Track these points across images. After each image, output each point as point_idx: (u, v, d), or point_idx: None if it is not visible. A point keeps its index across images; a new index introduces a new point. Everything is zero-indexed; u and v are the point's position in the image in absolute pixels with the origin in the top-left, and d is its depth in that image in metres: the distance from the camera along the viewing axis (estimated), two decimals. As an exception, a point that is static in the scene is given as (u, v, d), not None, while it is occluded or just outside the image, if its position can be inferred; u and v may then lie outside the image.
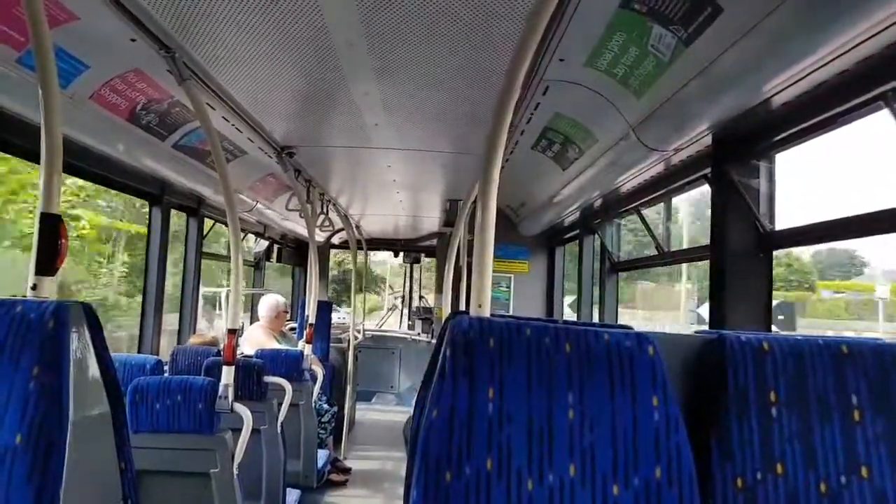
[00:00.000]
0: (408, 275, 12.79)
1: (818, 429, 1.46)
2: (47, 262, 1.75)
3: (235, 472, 3.29)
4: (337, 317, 10.46)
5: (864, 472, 1.44)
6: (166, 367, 4.32)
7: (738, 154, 3.05)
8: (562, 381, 1.40)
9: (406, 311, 12.79)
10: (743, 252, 3.05)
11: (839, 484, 1.44)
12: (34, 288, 1.73)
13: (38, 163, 1.79)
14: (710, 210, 3.25)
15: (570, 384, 1.40)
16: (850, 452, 1.45)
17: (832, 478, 1.44)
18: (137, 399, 3.20)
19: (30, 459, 1.44)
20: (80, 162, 3.78)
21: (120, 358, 3.72)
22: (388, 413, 9.95)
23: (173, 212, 5.21)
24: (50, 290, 1.74)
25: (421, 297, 12.72)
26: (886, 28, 1.85)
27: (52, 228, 1.75)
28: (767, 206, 3.05)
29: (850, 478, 1.44)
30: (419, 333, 10.99)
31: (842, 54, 2.03)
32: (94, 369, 1.70)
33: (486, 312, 1.57)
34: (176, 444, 3.20)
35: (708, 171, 3.36)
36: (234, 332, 3.38)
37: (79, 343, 1.61)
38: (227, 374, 3.32)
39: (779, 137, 2.83)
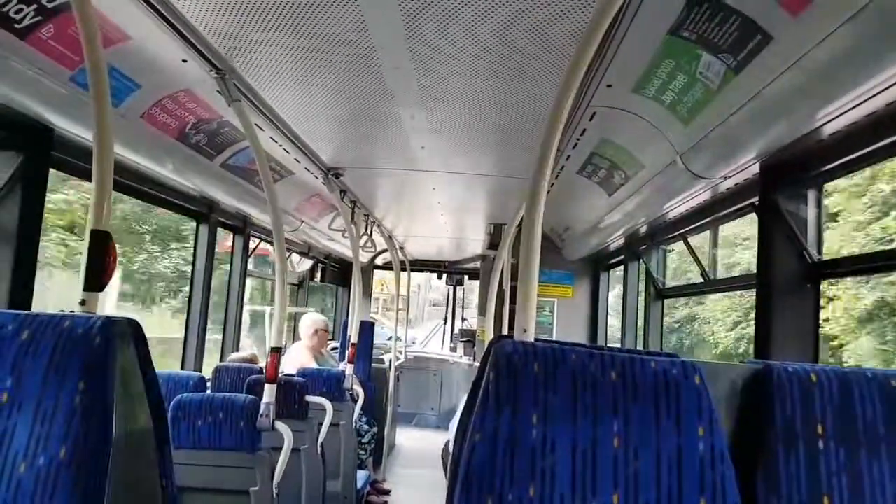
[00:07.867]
0: (450, 297, 12.77)
1: (866, 463, 1.43)
2: (96, 277, 1.79)
3: (275, 490, 3.29)
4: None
5: None
6: (209, 385, 4.38)
7: (786, 183, 2.99)
8: (607, 408, 1.39)
9: (449, 333, 12.75)
10: (790, 282, 2.98)
11: None
12: (83, 303, 1.77)
13: (90, 181, 1.84)
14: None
15: (615, 411, 1.39)
16: None
17: None
18: (180, 415, 3.22)
19: (73, 473, 1.47)
20: (129, 180, 3.87)
21: (164, 374, 3.77)
22: (428, 435, 9.92)
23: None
24: (98, 305, 1.78)
25: (464, 320, 12.68)
26: None
27: (101, 245, 1.79)
28: (815, 235, 2.99)
29: None
30: (461, 356, 10.95)
31: (892, 85, 1.98)
32: (138, 385, 1.72)
33: (531, 337, 1.56)
34: (217, 462, 3.20)
35: (755, 199, 3.30)
36: (277, 351, 3.40)
37: (124, 359, 1.64)
38: (269, 393, 3.32)
39: (828, 167, 2.76)
